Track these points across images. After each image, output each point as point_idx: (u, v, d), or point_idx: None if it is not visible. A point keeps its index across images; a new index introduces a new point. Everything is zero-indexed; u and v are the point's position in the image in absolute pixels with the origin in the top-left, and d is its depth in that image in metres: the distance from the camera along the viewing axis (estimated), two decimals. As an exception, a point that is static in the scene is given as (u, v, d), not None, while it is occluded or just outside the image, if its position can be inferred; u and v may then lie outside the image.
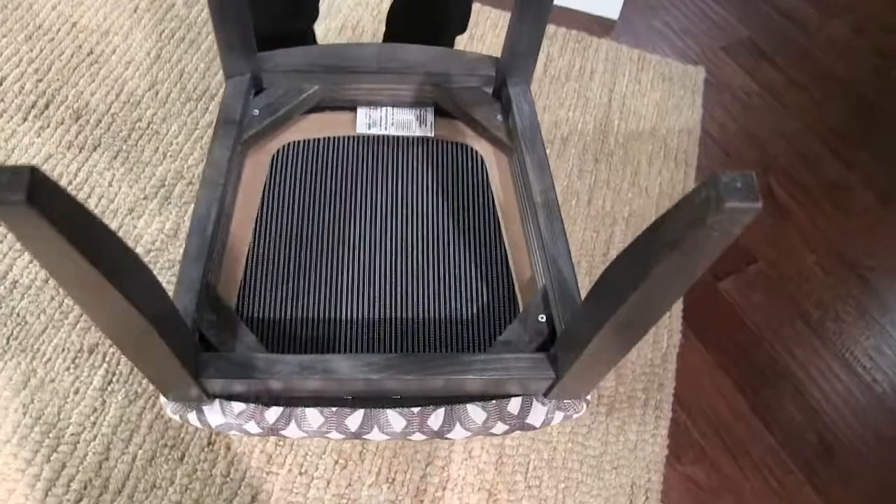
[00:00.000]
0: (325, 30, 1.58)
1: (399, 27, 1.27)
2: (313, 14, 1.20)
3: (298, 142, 0.86)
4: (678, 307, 1.31)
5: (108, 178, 1.28)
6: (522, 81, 0.87)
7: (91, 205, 1.24)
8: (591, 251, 1.34)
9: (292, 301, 0.74)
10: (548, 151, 1.47)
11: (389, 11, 1.29)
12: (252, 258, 0.76)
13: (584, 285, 1.29)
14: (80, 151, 1.31)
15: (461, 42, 1.62)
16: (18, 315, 1.13)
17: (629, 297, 0.52)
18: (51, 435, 1.03)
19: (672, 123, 1.56)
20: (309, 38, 1.26)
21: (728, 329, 1.32)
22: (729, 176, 0.41)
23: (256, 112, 0.84)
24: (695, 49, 1.77)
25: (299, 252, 0.77)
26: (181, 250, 1.21)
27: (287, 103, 0.86)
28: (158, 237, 1.22)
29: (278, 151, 0.85)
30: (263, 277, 0.75)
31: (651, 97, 1.60)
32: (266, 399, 0.68)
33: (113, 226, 1.22)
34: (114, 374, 1.09)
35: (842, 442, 1.20)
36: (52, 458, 1.01)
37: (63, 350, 1.10)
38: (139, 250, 1.20)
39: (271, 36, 0.98)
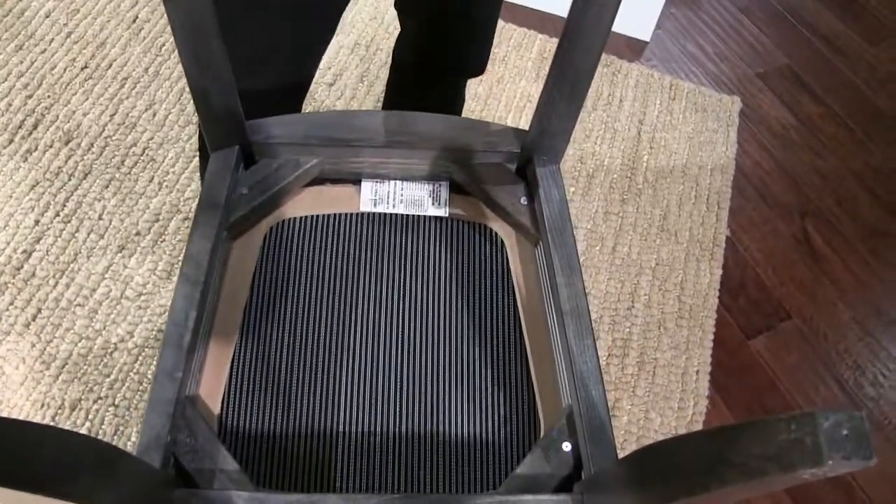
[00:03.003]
0: (338, 46, 1.48)
1: (407, 65, 1.13)
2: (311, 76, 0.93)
3: (294, 219, 0.76)
4: (706, 368, 1.22)
5: (99, 210, 1.19)
6: (552, 161, 0.76)
7: (79, 240, 1.15)
8: (615, 304, 1.24)
9: (282, 415, 0.65)
10: (572, 190, 1.37)
11: (396, 45, 1.15)
12: (237, 363, 0.67)
13: (608, 343, 1.20)
14: (69, 179, 1.21)
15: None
16: (-7, 367, 1.04)
17: (678, 498, 0.43)
18: (23, 507, 0.94)
19: (705, 160, 1.46)
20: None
21: (758, 393, 1.22)
22: (831, 419, 0.32)
23: (245, 190, 0.73)
24: (730, 76, 1.66)
25: (291, 356, 0.68)
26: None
27: (281, 179, 0.74)
28: (150, 279, 1.13)
29: (271, 230, 0.75)
30: (250, 387, 0.66)
31: (683, 130, 1.50)
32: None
33: (102, 265, 1.13)
34: (97, 434, 1.00)
35: (879, 526, 1.11)
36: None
37: (43, 406, 1.01)
38: (129, 293, 1.11)
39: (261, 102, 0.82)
